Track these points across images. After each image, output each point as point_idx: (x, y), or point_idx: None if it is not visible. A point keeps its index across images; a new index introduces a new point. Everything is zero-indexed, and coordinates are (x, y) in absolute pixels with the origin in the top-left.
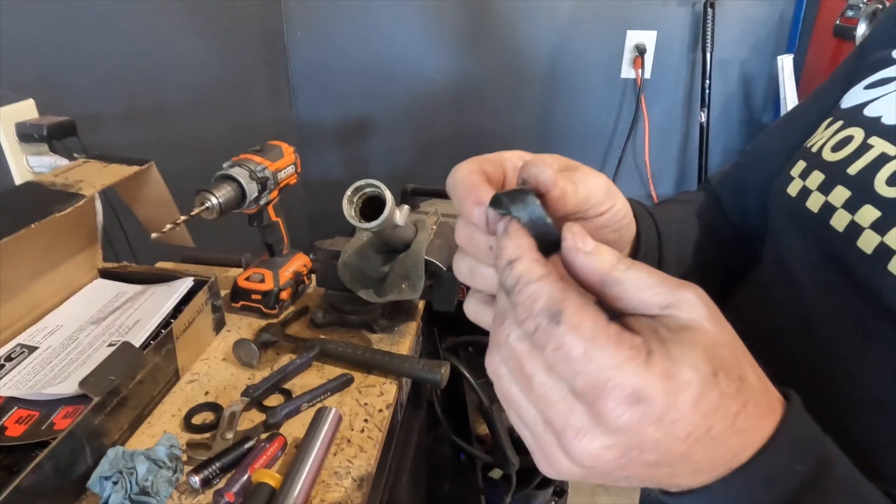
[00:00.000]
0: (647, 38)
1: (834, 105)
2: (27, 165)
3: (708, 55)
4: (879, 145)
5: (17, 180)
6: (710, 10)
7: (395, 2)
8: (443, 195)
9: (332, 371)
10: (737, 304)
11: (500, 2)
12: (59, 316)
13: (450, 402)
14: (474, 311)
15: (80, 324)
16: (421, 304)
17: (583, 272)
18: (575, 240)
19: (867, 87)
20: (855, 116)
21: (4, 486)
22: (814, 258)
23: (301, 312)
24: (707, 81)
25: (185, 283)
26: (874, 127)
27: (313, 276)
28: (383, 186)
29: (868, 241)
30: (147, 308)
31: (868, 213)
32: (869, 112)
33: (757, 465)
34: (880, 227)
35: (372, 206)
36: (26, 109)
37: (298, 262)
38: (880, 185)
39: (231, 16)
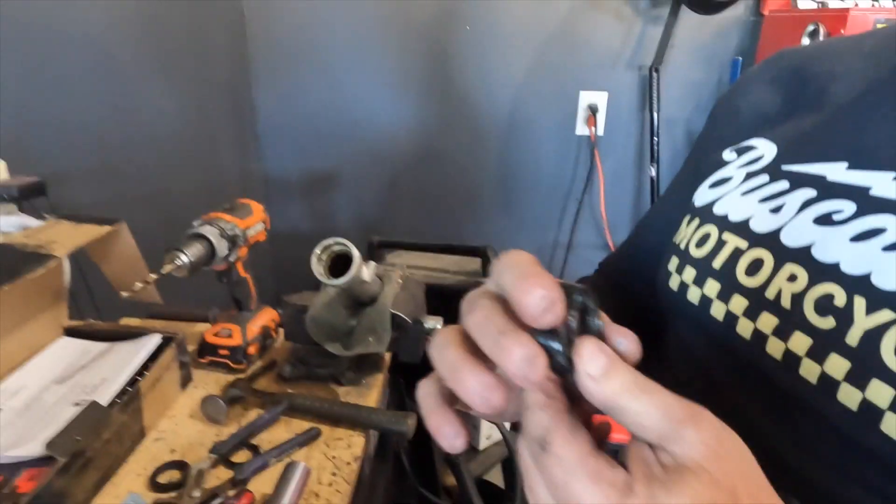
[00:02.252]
0: (599, 98)
1: (689, 198)
2: None
3: (655, 114)
4: (732, 240)
5: None
6: (655, 74)
7: (359, 62)
8: (407, 247)
9: (301, 425)
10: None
11: (459, 61)
12: (22, 376)
13: (417, 453)
14: (425, 394)
15: (45, 384)
16: (388, 356)
17: (587, 395)
18: (582, 363)
19: (711, 187)
20: (707, 215)
21: None
22: (696, 341)
23: (269, 367)
24: (655, 138)
25: (153, 340)
26: (724, 224)
27: (280, 330)
28: (350, 244)
29: (744, 328)
30: (113, 366)
31: (738, 302)
32: (717, 210)
33: None
34: (749, 314)
35: (340, 263)
36: None
37: (266, 317)
38: (741, 276)
39: (199, 73)
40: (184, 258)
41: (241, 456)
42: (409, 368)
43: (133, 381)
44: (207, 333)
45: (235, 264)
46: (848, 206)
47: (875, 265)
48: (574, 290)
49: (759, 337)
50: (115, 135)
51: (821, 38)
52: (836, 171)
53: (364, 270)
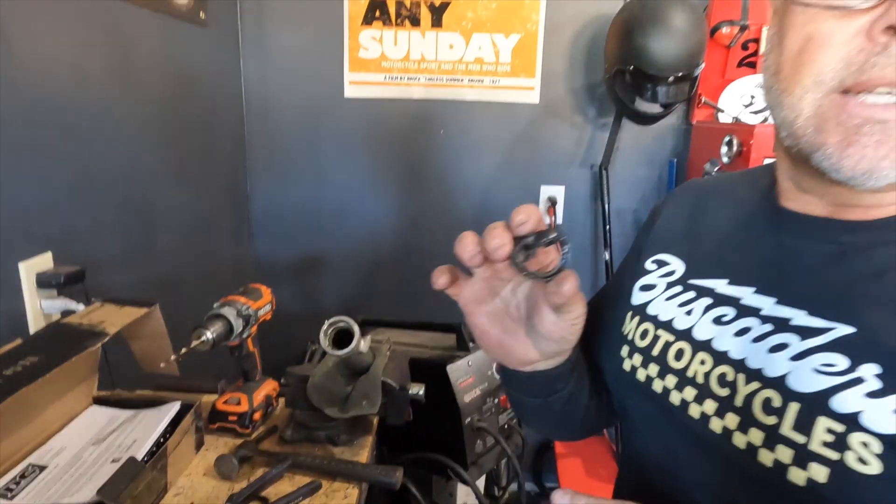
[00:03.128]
0: (558, 191)
1: (628, 293)
2: (40, 308)
3: (606, 206)
4: (663, 335)
5: (30, 321)
6: (604, 171)
7: (344, 162)
8: (389, 325)
9: (303, 480)
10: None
11: (435, 160)
12: (62, 439)
13: None
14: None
15: (83, 444)
16: (375, 421)
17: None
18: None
19: (641, 289)
20: (644, 315)
21: None
22: (644, 407)
23: (271, 431)
24: (607, 226)
25: (174, 407)
26: (657, 322)
27: (281, 399)
28: (351, 321)
29: (675, 398)
30: (142, 429)
31: (670, 380)
32: (650, 311)
33: None
34: (678, 388)
35: (340, 337)
36: (44, 261)
37: (269, 387)
38: (671, 361)
39: (203, 172)
40: (208, 335)
41: None
42: (393, 436)
43: (159, 443)
44: (218, 402)
45: (246, 340)
46: (730, 311)
47: (747, 353)
48: (547, 230)
49: (684, 403)
50: (137, 228)
51: (734, 147)
52: (721, 286)
53: (362, 343)
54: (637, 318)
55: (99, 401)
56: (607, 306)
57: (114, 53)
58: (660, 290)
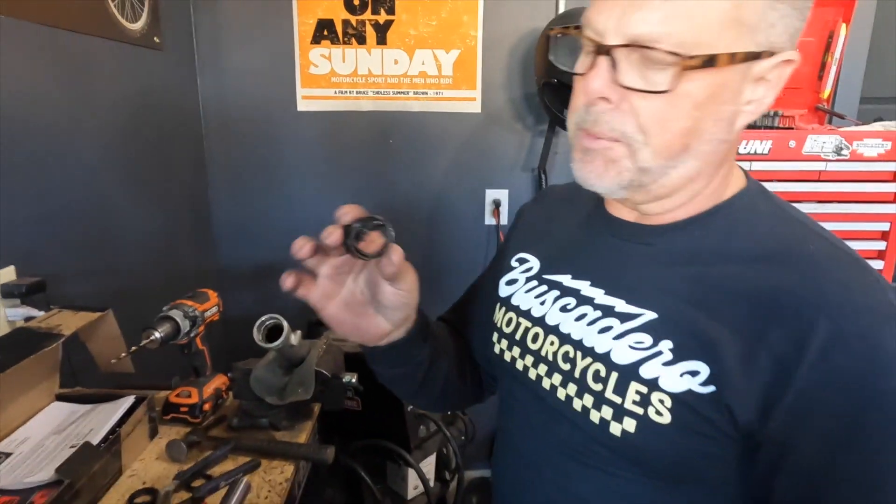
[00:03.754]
0: (502, 194)
1: (496, 287)
2: (4, 316)
3: None
4: (524, 322)
5: None
6: (543, 174)
7: (300, 170)
8: None
9: (244, 460)
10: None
11: (386, 168)
12: (25, 430)
13: (351, 501)
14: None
15: (45, 434)
16: (316, 408)
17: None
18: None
19: (506, 284)
20: (509, 305)
21: None
22: (512, 382)
23: (220, 420)
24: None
25: (128, 401)
26: (519, 312)
27: (230, 393)
28: (282, 318)
29: (532, 374)
30: (98, 420)
31: (529, 359)
32: (514, 302)
33: None
34: (534, 365)
35: (275, 332)
36: (8, 273)
37: (219, 381)
38: (529, 343)
39: (164, 185)
40: (156, 334)
41: (199, 483)
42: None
43: (114, 431)
44: (171, 395)
45: (195, 339)
46: (572, 301)
47: (584, 334)
48: (371, 217)
49: (539, 378)
50: (98, 242)
51: None
52: (567, 280)
53: (292, 337)
54: (504, 309)
55: (61, 397)
56: (479, 299)
57: (72, 81)
58: (521, 284)
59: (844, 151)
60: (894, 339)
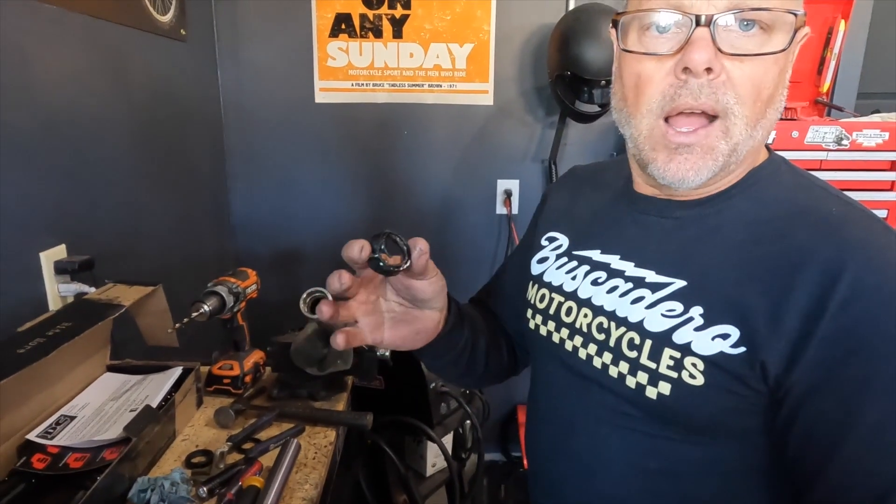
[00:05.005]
0: (513, 184)
1: (528, 265)
2: (57, 291)
3: None
4: (556, 297)
5: (50, 302)
6: (553, 165)
7: (315, 159)
8: None
9: (289, 427)
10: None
11: (400, 159)
12: (85, 397)
13: (374, 477)
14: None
15: (104, 400)
16: (350, 381)
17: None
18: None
19: (538, 262)
20: (542, 282)
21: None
22: (546, 355)
23: (260, 392)
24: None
25: (177, 371)
26: (551, 287)
27: (267, 368)
28: (326, 291)
29: (568, 345)
30: (151, 388)
31: (564, 332)
32: (546, 279)
33: None
34: (570, 337)
35: (316, 305)
36: (60, 251)
37: (257, 356)
38: (563, 317)
39: (185, 171)
40: (205, 308)
41: (249, 446)
42: (369, 399)
43: (166, 399)
44: (213, 368)
45: (236, 314)
46: (603, 274)
47: (616, 305)
48: (379, 234)
49: (574, 349)
50: (130, 226)
51: None
52: (596, 255)
53: None
54: (537, 286)
55: (112, 368)
56: (511, 279)
57: (109, 70)
58: (552, 261)
59: (845, 141)
60: None
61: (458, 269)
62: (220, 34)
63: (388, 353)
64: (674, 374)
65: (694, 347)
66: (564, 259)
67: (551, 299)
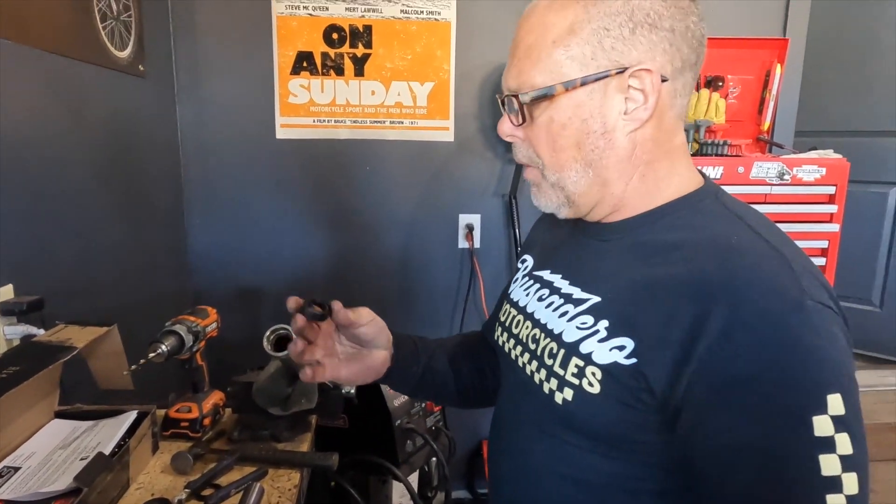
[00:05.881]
0: (474, 219)
1: (508, 287)
2: (3, 334)
3: (517, 230)
4: (513, 313)
5: None
6: (514, 199)
7: (277, 195)
8: None
9: (250, 470)
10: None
11: (364, 194)
12: (31, 445)
13: None
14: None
15: (51, 449)
16: (314, 420)
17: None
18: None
19: (513, 282)
20: (509, 299)
21: None
22: (506, 371)
23: (219, 434)
24: (518, 248)
25: (131, 415)
26: (513, 304)
27: (227, 410)
28: (290, 328)
29: (515, 356)
30: (104, 434)
31: (512, 343)
32: (512, 297)
33: None
34: (517, 350)
35: (280, 342)
36: (7, 292)
37: (217, 397)
38: (514, 330)
39: (142, 207)
40: (163, 348)
41: (208, 492)
42: (332, 439)
43: (120, 445)
44: (170, 411)
45: (195, 354)
46: (546, 291)
47: (548, 318)
48: (314, 300)
49: (516, 358)
50: (83, 264)
51: None
52: (546, 274)
53: None
54: (507, 304)
55: (60, 414)
56: (499, 302)
57: (63, 106)
58: (519, 281)
59: (786, 176)
60: (795, 322)
61: (421, 304)
62: (179, 70)
63: (353, 391)
64: (576, 382)
65: (594, 357)
66: (527, 278)
67: (510, 314)
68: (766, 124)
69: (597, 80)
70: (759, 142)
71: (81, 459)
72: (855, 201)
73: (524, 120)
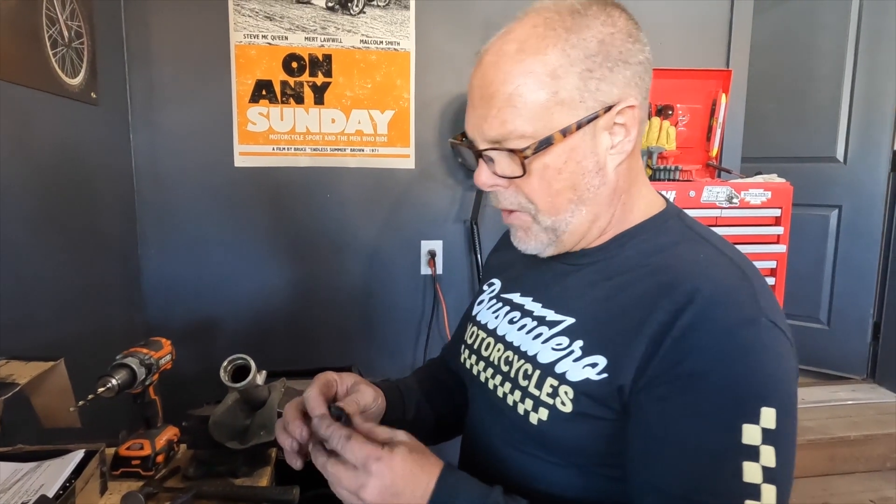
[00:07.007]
0: (437, 245)
1: (471, 309)
2: None
3: (478, 255)
4: (481, 335)
5: None
6: (475, 225)
7: (235, 224)
8: (284, 375)
9: None
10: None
11: (322, 221)
12: None
13: None
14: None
15: None
16: (273, 453)
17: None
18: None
19: (477, 304)
20: (475, 321)
21: None
22: (473, 388)
23: (174, 472)
24: (479, 274)
25: (78, 455)
26: (480, 326)
27: (182, 446)
28: (249, 358)
29: (485, 378)
30: (48, 476)
31: (482, 365)
32: (478, 318)
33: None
34: (486, 370)
35: (238, 374)
36: None
37: (170, 432)
38: (483, 352)
39: (92, 237)
40: (114, 382)
41: None
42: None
43: (65, 487)
44: (120, 449)
45: (148, 388)
46: (518, 314)
47: (521, 341)
48: (335, 407)
49: (486, 380)
50: (29, 296)
51: None
52: (516, 297)
53: (258, 377)
54: (472, 325)
55: (0, 457)
56: (460, 324)
57: (9, 132)
58: (486, 303)
59: (735, 200)
60: (748, 334)
61: (384, 331)
62: (134, 98)
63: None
64: (550, 401)
65: (568, 376)
66: (494, 301)
67: (478, 336)
68: (715, 150)
69: (589, 122)
70: (709, 167)
71: (23, 503)
72: (800, 224)
73: (524, 172)
